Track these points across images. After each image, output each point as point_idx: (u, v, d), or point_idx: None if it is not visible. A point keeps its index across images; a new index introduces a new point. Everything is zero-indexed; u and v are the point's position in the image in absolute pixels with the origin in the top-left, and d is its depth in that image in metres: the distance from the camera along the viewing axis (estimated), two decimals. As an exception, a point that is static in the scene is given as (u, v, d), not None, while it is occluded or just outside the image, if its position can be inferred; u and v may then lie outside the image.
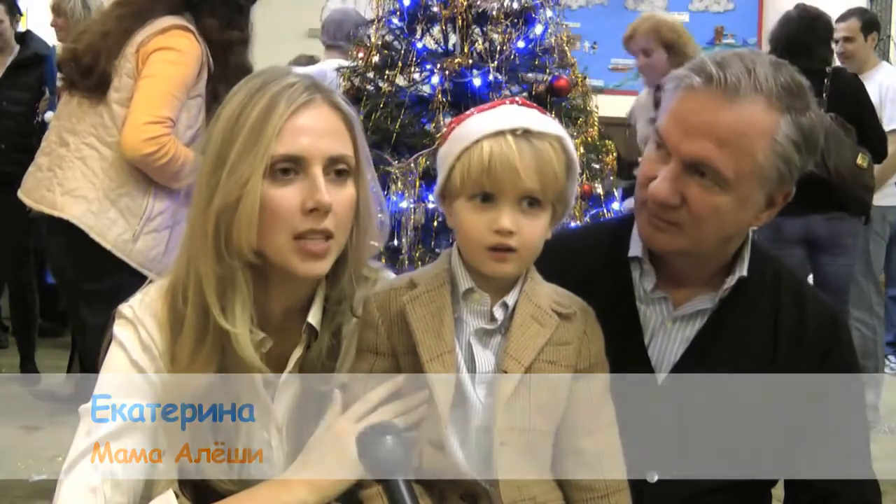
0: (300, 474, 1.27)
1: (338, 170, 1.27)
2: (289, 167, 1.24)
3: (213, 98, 2.59)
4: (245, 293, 1.27)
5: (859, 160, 3.68)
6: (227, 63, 2.64)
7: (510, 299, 1.26)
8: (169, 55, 2.50)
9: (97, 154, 2.53)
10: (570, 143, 1.26)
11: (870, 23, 4.49)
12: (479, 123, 1.24)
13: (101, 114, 2.54)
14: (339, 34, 4.08)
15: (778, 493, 1.52)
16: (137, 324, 1.31)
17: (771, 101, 1.30)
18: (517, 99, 1.29)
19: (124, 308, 1.33)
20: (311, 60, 4.61)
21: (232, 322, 1.25)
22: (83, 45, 2.57)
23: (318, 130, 1.26)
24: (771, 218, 1.41)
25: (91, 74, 2.53)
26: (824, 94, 3.72)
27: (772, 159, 1.31)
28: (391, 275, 1.45)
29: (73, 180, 2.53)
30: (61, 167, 2.56)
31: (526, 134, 1.21)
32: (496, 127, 1.22)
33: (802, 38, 3.81)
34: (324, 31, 4.23)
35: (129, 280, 2.37)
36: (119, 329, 1.32)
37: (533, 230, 1.23)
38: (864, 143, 3.75)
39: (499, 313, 1.26)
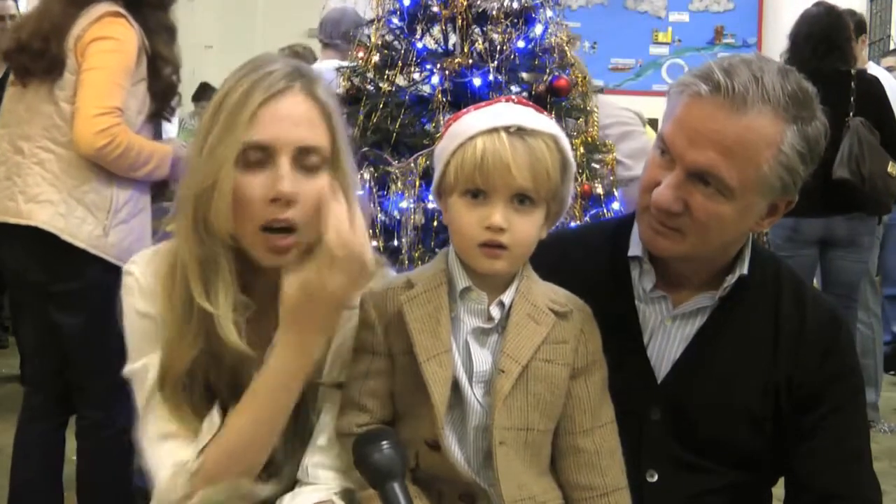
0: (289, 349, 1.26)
1: (310, 162, 1.27)
2: (258, 155, 1.25)
3: (155, 66, 2.56)
4: (228, 277, 1.27)
5: (890, 168, 3.66)
6: (145, 18, 2.57)
7: (506, 298, 1.26)
8: (106, 44, 2.45)
9: (53, 156, 2.48)
10: (565, 142, 1.26)
11: (860, 24, 4.50)
12: (474, 120, 1.25)
13: (50, 115, 2.48)
14: (336, 33, 4.06)
15: (778, 492, 1.52)
16: (140, 276, 1.34)
17: (778, 112, 1.29)
18: (513, 97, 1.29)
19: (129, 264, 1.37)
20: (296, 53, 4.54)
21: (215, 304, 1.26)
22: (27, 32, 2.51)
23: (292, 119, 1.26)
24: (773, 224, 1.41)
25: (43, 57, 2.47)
26: (852, 98, 3.70)
27: (776, 169, 1.30)
28: (389, 270, 1.45)
29: (34, 186, 2.46)
30: (20, 175, 2.49)
31: (520, 131, 1.22)
32: (490, 124, 1.22)
33: (832, 37, 3.76)
34: (321, 30, 4.23)
35: (101, 275, 2.37)
36: (125, 284, 1.35)
37: (525, 228, 1.23)
38: (884, 146, 3.72)
39: (495, 312, 1.26)
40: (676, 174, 1.32)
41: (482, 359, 1.25)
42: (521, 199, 1.22)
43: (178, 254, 1.30)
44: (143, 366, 1.32)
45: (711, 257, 1.42)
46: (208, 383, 1.31)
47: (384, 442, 1.13)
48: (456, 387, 1.24)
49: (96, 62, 2.43)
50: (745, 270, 1.42)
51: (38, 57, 2.48)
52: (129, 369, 1.34)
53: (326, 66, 3.67)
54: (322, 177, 1.28)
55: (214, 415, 1.30)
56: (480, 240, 1.22)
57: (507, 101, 1.28)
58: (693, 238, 1.35)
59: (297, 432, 1.34)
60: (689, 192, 1.32)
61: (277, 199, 1.24)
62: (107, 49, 2.45)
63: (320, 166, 1.28)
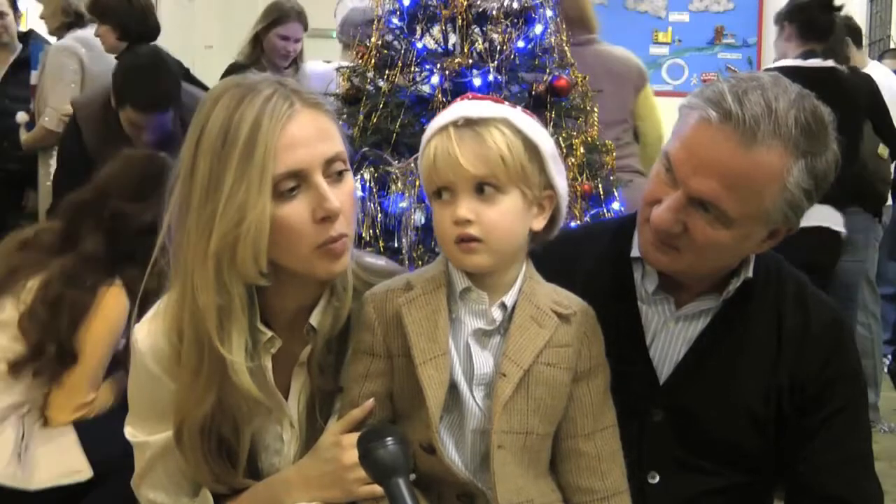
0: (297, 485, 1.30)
1: (335, 167, 1.27)
2: (291, 183, 1.23)
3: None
4: (242, 321, 1.27)
5: (880, 150, 3.68)
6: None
7: (509, 300, 1.25)
8: (101, 328, 2.26)
9: None
10: (523, 123, 1.23)
11: (854, 31, 4.53)
12: (431, 124, 1.25)
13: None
14: (355, 33, 4.07)
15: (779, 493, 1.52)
16: (147, 336, 1.35)
17: (787, 147, 1.26)
18: (468, 95, 1.29)
19: (136, 330, 1.37)
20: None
21: (229, 350, 1.26)
22: (38, 330, 2.20)
23: (310, 139, 1.25)
24: (772, 247, 1.39)
25: (62, 358, 2.23)
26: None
27: (779, 204, 1.29)
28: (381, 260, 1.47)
29: None
30: None
31: (468, 123, 1.21)
32: (441, 122, 1.23)
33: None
34: (341, 30, 4.23)
35: None
36: (133, 347, 1.35)
37: (494, 216, 1.21)
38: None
39: (497, 314, 1.25)
40: (678, 197, 1.31)
41: (483, 361, 1.24)
42: (486, 188, 1.21)
43: (184, 307, 1.28)
44: (144, 442, 1.37)
45: (710, 273, 1.41)
46: (222, 437, 1.32)
47: (389, 438, 1.13)
48: (454, 390, 1.23)
49: (90, 351, 2.25)
50: (749, 274, 1.42)
51: (57, 360, 2.23)
52: (129, 433, 1.39)
53: (332, 67, 3.69)
54: (347, 173, 1.29)
55: (209, 498, 1.34)
56: (454, 236, 1.22)
57: (462, 98, 1.27)
58: (690, 257, 1.34)
59: (312, 439, 1.35)
60: (689, 215, 1.31)
61: (327, 218, 1.24)
62: (101, 334, 2.27)
63: (344, 164, 1.29)
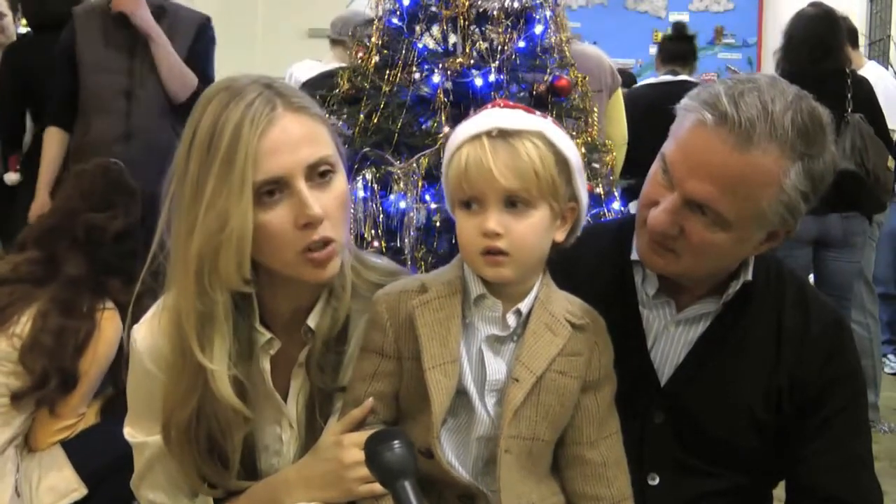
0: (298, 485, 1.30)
1: (321, 172, 1.25)
2: (272, 189, 1.22)
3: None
4: (224, 329, 1.26)
5: (889, 162, 3.67)
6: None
7: (524, 306, 1.25)
8: (101, 352, 2.29)
9: None
10: (557, 138, 1.23)
11: (850, 31, 4.52)
12: (462, 130, 1.24)
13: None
14: (345, 30, 4.10)
15: (779, 493, 1.52)
16: (146, 335, 1.35)
17: (784, 150, 1.25)
18: (500, 101, 1.27)
19: (136, 326, 1.36)
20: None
21: (209, 357, 1.25)
22: (45, 357, 2.20)
23: (291, 144, 1.22)
24: (771, 248, 1.39)
25: (65, 385, 2.24)
26: (849, 95, 3.70)
27: (776, 207, 1.28)
28: (381, 260, 1.46)
29: None
30: None
31: (502, 134, 1.20)
32: (473, 131, 1.21)
33: (826, 40, 3.76)
34: (332, 27, 4.28)
35: None
36: (132, 346, 1.36)
37: (523, 230, 1.21)
38: None
39: (511, 320, 1.25)
40: (674, 199, 1.30)
41: (496, 368, 1.24)
42: (513, 202, 1.20)
43: (175, 309, 1.27)
44: (143, 442, 1.37)
45: (709, 276, 1.41)
46: (212, 438, 1.31)
47: (395, 441, 1.13)
48: (464, 396, 1.23)
49: (84, 370, 2.28)
50: (749, 276, 1.42)
51: (60, 387, 2.25)
52: (129, 433, 1.39)
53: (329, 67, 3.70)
54: (336, 179, 1.27)
55: (208, 499, 1.34)
56: (480, 248, 1.21)
57: (493, 105, 1.26)
58: (687, 260, 1.34)
59: (312, 439, 1.35)
60: (686, 217, 1.30)
61: (309, 224, 1.22)
62: (95, 359, 2.30)
63: (332, 168, 1.27)
